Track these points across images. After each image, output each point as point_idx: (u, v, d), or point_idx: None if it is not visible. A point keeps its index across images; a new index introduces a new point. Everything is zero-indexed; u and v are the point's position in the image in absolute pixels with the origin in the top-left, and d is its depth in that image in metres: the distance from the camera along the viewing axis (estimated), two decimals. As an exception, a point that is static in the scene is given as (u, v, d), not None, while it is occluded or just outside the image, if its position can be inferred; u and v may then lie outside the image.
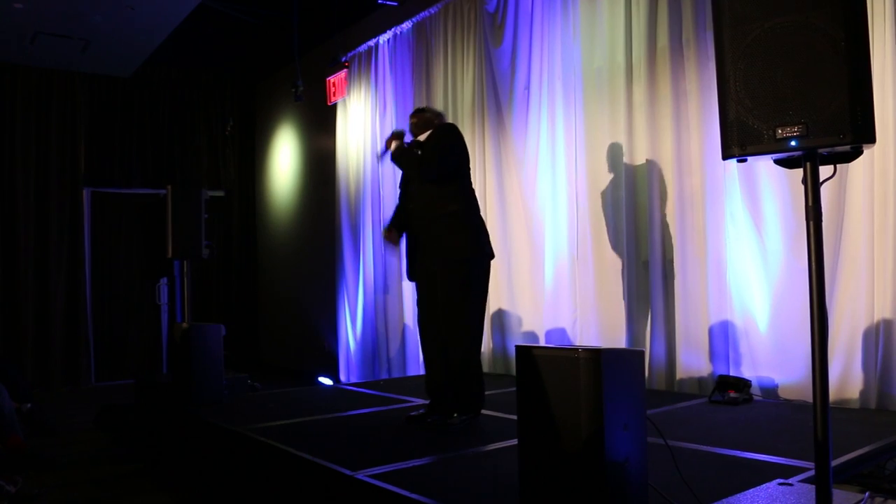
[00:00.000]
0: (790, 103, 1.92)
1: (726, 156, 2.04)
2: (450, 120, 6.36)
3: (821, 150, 1.94)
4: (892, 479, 3.20)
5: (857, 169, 3.85)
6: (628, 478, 2.04)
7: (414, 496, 2.56)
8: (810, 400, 2.27)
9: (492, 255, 3.98)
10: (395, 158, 4.06)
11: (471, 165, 4.09)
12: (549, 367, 2.07)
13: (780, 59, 1.94)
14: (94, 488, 4.05)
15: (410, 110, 6.63)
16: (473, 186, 4.09)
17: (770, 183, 4.28)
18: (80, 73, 8.52)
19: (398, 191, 4.26)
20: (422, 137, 4.06)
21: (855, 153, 1.97)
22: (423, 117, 4.14)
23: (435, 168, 3.86)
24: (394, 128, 4.25)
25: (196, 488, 4.00)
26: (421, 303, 4.06)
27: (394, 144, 4.08)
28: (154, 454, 4.70)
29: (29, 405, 5.49)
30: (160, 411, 4.92)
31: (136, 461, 4.67)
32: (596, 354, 1.98)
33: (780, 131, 1.93)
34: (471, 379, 3.85)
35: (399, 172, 4.32)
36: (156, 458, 4.63)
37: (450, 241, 3.84)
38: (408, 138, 4.13)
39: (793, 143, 1.92)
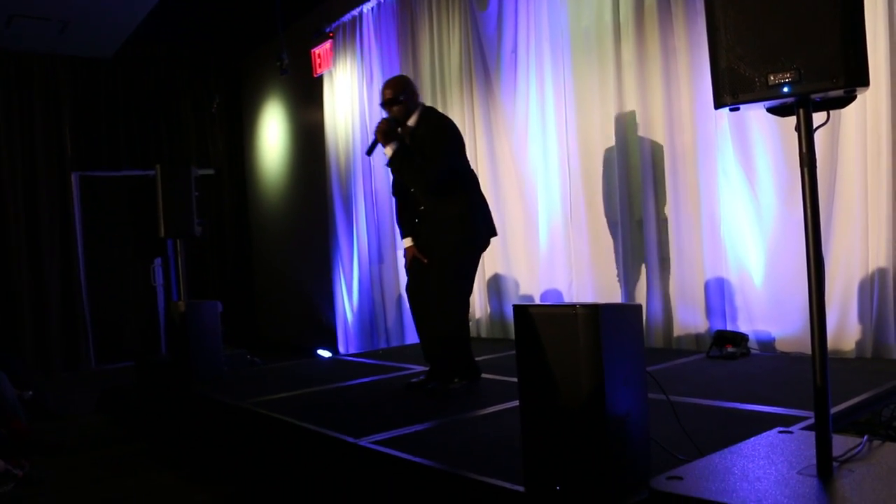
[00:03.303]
0: (781, 49, 1.90)
1: (718, 105, 2.02)
2: (437, 87, 6.31)
3: (814, 96, 1.92)
4: (889, 426, 3.24)
5: (849, 118, 3.84)
6: (630, 432, 2.05)
7: (417, 460, 2.58)
8: (807, 352, 2.27)
9: (493, 235, 4.00)
10: (396, 171, 3.87)
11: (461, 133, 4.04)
12: (547, 325, 2.07)
13: (771, 5, 1.91)
14: (99, 470, 4.07)
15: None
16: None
17: (762, 137, 4.26)
18: (61, 56, 8.40)
19: (393, 198, 4.21)
20: (411, 121, 3.89)
21: (848, 98, 1.95)
22: (403, 106, 3.85)
23: (437, 182, 3.76)
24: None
25: (200, 465, 4.02)
26: (411, 273, 4.05)
27: (390, 150, 3.79)
28: (157, 433, 4.72)
29: (30, 392, 5.48)
30: (161, 391, 4.93)
31: (139, 441, 4.69)
32: (594, 310, 1.98)
33: (772, 78, 1.90)
34: (466, 347, 3.87)
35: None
36: (159, 438, 4.65)
37: (453, 240, 3.80)
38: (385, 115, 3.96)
39: (785, 89, 1.90)
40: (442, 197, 3.82)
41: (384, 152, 3.86)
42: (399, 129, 3.88)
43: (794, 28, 1.88)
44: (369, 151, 3.99)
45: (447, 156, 3.79)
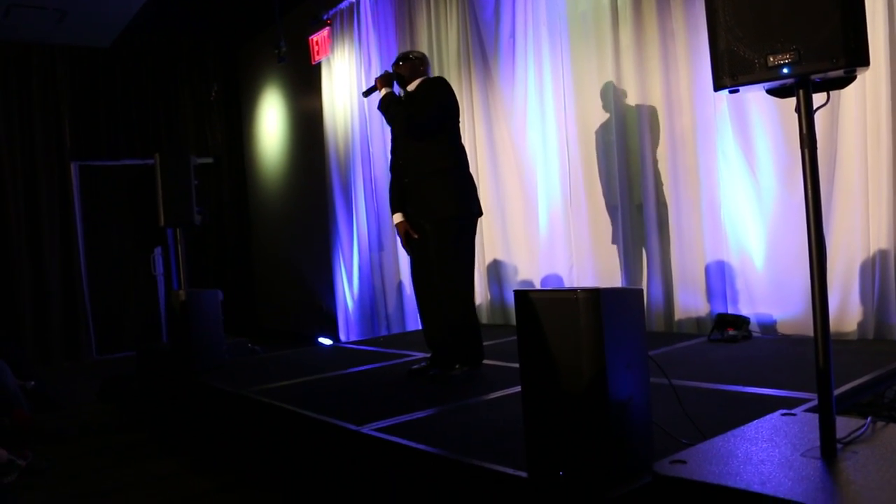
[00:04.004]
0: (781, 30, 1.88)
1: (718, 87, 2.00)
2: (435, 73, 6.28)
3: (814, 77, 1.91)
4: (892, 407, 3.23)
5: (848, 99, 3.82)
6: (633, 416, 2.05)
7: (419, 447, 2.58)
8: (809, 334, 2.27)
9: (479, 214, 3.94)
10: (383, 108, 3.95)
11: (460, 118, 4.03)
12: (548, 310, 2.06)
13: (770, -15, 1.89)
14: (101, 458, 4.09)
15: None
16: (463, 140, 4.03)
17: (761, 120, 4.24)
18: (59, 46, 8.36)
19: (389, 151, 4.18)
20: (411, 87, 3.99)
21: (848, 78, 1.93)
22: (410, 64, 4.03)
23: (422, 125, 3.79)
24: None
25: (202, 453, 4.03)
26: (414, 258, 4.04)
27: (384, 91, 3.95)
28: (159, 422, 4.73)
29: (32, 382, 5.50)
30: (162, 379, 4.93)
31: (141, 430, 4.70)
32: (595, 294, 1.97)
33: (771, 59, 1.89)
34: (470, 332, 3.86)
35: (388, 132, 4.24)
36: (161, 426, 4.66)
37: (438, 200, 3.78)
38: (395, 90, 4.04)
39: (785, 70, 1.88)
40: (431, 168, 3.81)
41: (380, 95, 4.00)
42: (400, 91, 4.03)
43: (793, 8, 1.87)
44: (366, 93, 4.16)
45: (436, 105, 3.82)
